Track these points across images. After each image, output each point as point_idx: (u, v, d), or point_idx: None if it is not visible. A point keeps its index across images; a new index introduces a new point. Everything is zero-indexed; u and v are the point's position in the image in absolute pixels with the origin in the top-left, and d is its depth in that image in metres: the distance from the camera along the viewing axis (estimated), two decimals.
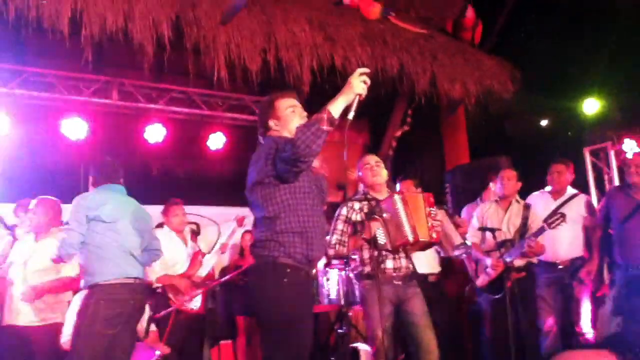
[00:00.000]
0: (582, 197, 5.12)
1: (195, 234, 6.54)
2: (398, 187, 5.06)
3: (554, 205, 4.97)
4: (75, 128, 6.26)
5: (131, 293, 3.56)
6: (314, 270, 2.87)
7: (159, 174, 7.52)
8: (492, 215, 4.90)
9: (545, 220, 4.43)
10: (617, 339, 4.17)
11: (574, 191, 5.13)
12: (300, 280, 2.66)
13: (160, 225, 5.18)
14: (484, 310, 4.90)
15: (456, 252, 4.80)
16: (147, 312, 4.27)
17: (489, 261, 4.62)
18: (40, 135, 6.24)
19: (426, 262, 4.75)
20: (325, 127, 2.46)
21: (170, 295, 4.82)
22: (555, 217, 4.38)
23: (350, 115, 2.58)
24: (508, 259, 4.47)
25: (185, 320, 4.86)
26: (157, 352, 4.05)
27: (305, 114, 2.92)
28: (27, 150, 5.96)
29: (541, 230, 4.42)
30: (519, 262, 4.63)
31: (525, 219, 4.75)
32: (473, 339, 5.48)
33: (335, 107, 2.53)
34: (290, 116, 2.89)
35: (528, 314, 4.60)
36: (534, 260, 4.75)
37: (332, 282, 4.95)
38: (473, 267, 5.05)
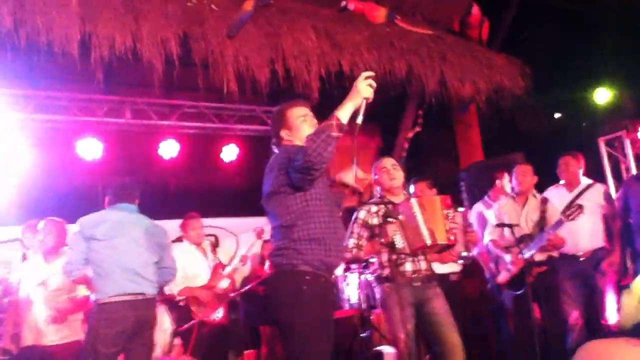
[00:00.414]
0: (598, 187, 5.09)
1: (214, 246, 6.59)
2: (412, 188, 5.06)
3: (569, 197, 4.94)
4: (90, 148, 6.35)
5: (131, 310, 3.58)
6: (333, 276, 2.87)
7: (176, 189, 7.61)
8: (509, 211, 4.89)
9: (562, 213, 4.41)
10: None
11: (589, 181, 5.10)
12: (320, 286, 2.67)
13: (179, 240, 5.23)
14: (507, 307, 4.88)
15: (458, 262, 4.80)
16: (171, 325, 4.32)
17: (508, 257, 4.61)
18: (56, 157, 6.33)
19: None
20: (334, 134, 2.49)
21: (193, 308, 4.87)
22: (573, 209, 4.35)
23: (359, 120, 2.60)
24: (527, 254, 4.45)
25: (209, 332, 4.90)
26: None
27: (315, 121, 2.94)
28: (44, 172, 6.04)
29: (559, 223, 4.39)
30: (539, 257, 4.61)
31: (543, 213, 4.73)
32: (496, 337, 5.45)
33: (343, 113, 2.56)
34: (301, 125, 2.92)
35: (552, 309, 4.57)
36: (555, 254, 4.72)
37: (352, 287, 4.95)
38: (491, 265, 5.04)
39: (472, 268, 5.42)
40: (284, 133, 2.97)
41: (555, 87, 7.90)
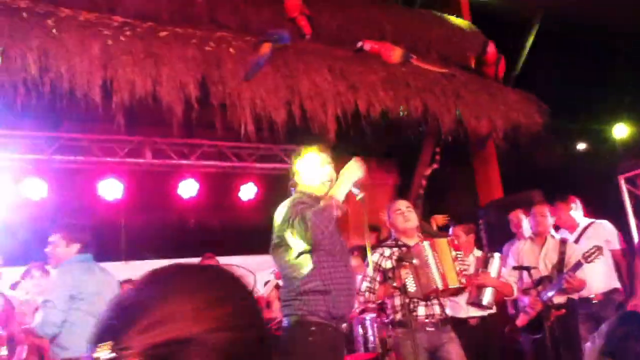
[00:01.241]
0: (600, 224, 5.01)
1: None
2: (450, 231, 5.04)
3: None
4: (111, 188, 6.46)
5: None
6: (343, 325, 2.88)
7: (195, 228, 7.67)
8: (527, 252, 4.85)
9: (582, 255, 4.36)
10: None
11: (589, 220, 5.04)
12: (327, 336, 2.67)
13: None
14: (526, 350, 4.79)
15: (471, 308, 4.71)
16: None
17: (526, 300, 4.55)
18: (77, 198, 6.46)
19: (465, 306, 4.68)
20: (335, 213, 2.70)
21: None
22: (592, 251, 4.30)
23: (360, 197, 2.93)
24: (545, 297, 4.38)
25: None
26: None
27: (329, 161, 3.02)
28: (65, 213, 6.15)
29: (578, 265, 4.34)
30: (559, 299, 4.53)
31: (562, 254, 4.67)
32: None
33: (340, 194, 2.79)
34: (317, 170, 2.98)
35: (572, 353, 4.47)
36: (575, 296, 4.64)
37: (367, 329, 4.89)
38: (512, 307, 4.98)
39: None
40: (298, 179, 3.04)
41: (575, 124, 7.86)
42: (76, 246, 3.68)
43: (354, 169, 2.81)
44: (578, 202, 5.10)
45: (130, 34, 4.90)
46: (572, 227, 5.01)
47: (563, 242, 4.73)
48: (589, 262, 4.29)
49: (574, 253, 4.58)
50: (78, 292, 3.51)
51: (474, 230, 4.88)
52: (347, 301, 2.81)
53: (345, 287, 2.79)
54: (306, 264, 2.73)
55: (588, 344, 1.94)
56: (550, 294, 4.39)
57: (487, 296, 4.42)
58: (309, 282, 2.71)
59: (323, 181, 2.93)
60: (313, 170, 2.99)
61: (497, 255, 4.64)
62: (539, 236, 4.81)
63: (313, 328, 2.64)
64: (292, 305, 2.72)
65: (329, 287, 2.72)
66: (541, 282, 4.53)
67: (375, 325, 4.81)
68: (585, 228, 4.96)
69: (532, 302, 4.45)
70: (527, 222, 5.06)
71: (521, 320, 4.69)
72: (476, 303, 4.50)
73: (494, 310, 4.62)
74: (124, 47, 4.81)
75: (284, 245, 2.78)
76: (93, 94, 4.68)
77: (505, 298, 4.67)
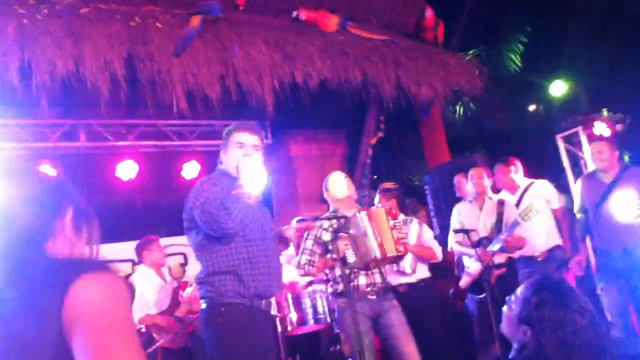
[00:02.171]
0: (540, 184, 5.08)
1: (183, 265, 6.49)
2: (377, 198, 5.00)
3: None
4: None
5: None
6: (263, 302, 2.74)
7: (140, 210, 7.50)
8: (467, 214, 4.91)
9: (518, 214, 4.42)
10: None
11: (529, 181, 5.10)
12: (239, 316, 2.57)
13: (137, 264, 5.14)
14: (472, 311, 4.87)
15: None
16: None
17: (474, 251, 4.57)
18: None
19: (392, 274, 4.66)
20: (243, 204, 2.64)
21: (155, 335, 4.77)
22: (527, 209, 4.35)
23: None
24: (493, 248, 4.44)
25: (173, 357, 4.80)
26: None
27: (253, 152, 2.85)
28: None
29: (515, 224, 4.41)
30: (499, 259, 4.60)
31: (500, 215, 4.74)
32: (466, 341, 5.42)
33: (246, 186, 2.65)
34: (235, 153, 2.85)
35: None
36: (515, 255, 4.71)
37: (316, 301, 4.87)
38: (457, 269, 5.03)
39: (444, 270, 5.36)
40: (222, 156, 2.93)
41: (515, 86, 7.93)
42: None
43: (249, 165, 2.62)
44: (518, 163, 5.14)
45: (47, 12, 4.64)
46: (512, 188, 5.06)
47: (501, 203, 4.79)
48: (525, 221, 4.35)
49: (511, 213, 4.64)
50: None
51: (395, 195, 4.88)
52: (265, 280, 2.71)
53: (261, 266, 2.69)
54: (214, 246, 2.64)
55: (504, 309, 1.93)
56: (495, 247, 4.44)
57: (407, 263, 4.41)
58: (216, 264, 2.62)
59: (237, 165, 2.72)
60: (230, 150, 2.87)
61: (414, 220, 4.65)
62: (477, 198, 4.87)
63: (222, 309, 2.55)
64: (202, 287, 2.64)
65: (239, 267, 2.62)
66: (480, 243, 4.59)
67: (323, 296, 4.80)
68: (526, 189, 5.01)
69: (481, 253, 4.47)
70: (470, 185, 5.09)
71: (464, 282, 4.75)
72: (398, 271, 4.49)
73: (424, 275, 4.61)
74: (42, 26, 4.56)
75: (194, 227, 2.69)
76: (11, 77, 4.43)
77: (432, 261, 4.66)
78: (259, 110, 5.90)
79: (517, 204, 4.83)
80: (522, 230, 4.53)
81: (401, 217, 4.39)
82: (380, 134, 7.58)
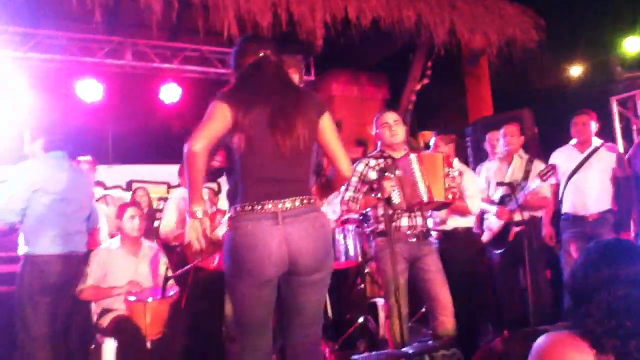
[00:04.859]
0: (609, 147, 4.93)
1: (216, 193, 6.55)
2: (433, 140, 4.94)
3: (580, 157, 4.80)
4: (90, 90, 6.24)
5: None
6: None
7: (178, 133, 7.54)
8: (496, 171, 4.84)
9: (539, 173, 4.35)
10: None
11: (600, 141, 4.94)
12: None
13: (178, 186, 5.20)
14: (494, 265, 4.86)
15: None
16: (166, 270, 4.29)
17: (494, 208, 4.55)
18: (54, 98, 6.24)
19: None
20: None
21: (188, 254, 4.86)
22: (547, 170, 4.29)
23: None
24: (512, 207, 4.42)
25: (205, 277, 4.90)
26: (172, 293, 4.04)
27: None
28: (42, 112, 5.97)
29: (534, 183, 4.36)
30: (519, 216, 4.55)
31: (527, 173, 4.65)
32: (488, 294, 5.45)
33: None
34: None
35: (533, 268, 4.52)
36: (538, 214, 4.68)
37: (349, 239, 4.90)
38: (478, 226, 5.00)
39: None
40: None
41: (573, 42, 7.60)
42: (40, 142, 3.52)
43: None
44: (596, 121, 4.93)
45: None
46: (585, 143, 4.84)
47: (530, 160, 4.70)
48: (544, 181, 4.29)
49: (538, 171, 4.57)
50: (41, 187, 3.38)
51: (454, 140, 4.78)
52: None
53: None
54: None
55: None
56: (513, 206, 4.40)
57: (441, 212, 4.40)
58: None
59: None
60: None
61: (468, 171, 4.61)
62: (507, 155, 4.78)
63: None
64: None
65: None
66: (504, 200, 4.55)
67: (356, 235, 4.81)
68: (596, 149, 4.81)
69: (500, 210, 4.43)
70: (501, 142, 4.95)
71: (486, 237, 4.75)
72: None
73: (460, 224, 4.58)
74: None
75: None
76: None
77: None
78: (305, 45, 5.80)
79: (586, 160, 4.68)
80: (547, 190, 4.52)
81: (457, 165, 4.34)
82: (426, 81, 7.42)
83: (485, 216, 4.76)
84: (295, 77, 2.74)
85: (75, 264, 3.52)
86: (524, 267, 4.33)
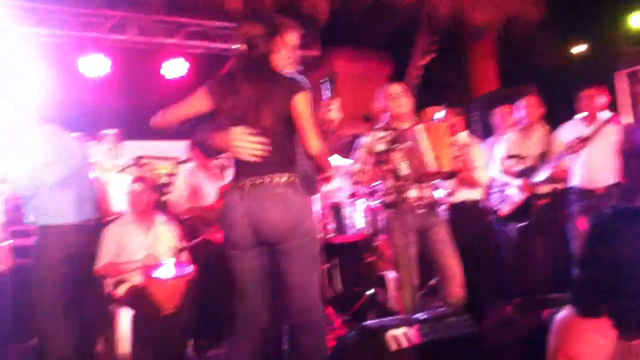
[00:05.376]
0: (615, 121, 4.92)
1: (225, 167, 6.56)
2: (443, 113, 4.92)
3: (587, 131, 4.79)
4: (93, 65, 6.21)
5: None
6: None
7: None
8: (516, 143, 4.82)
9: (565, 146, 4.35)
10: None
11: (608, 115, 4.93)
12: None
13: (188, 160, 5.23)
14: (509, 238, 4.86)
15: None
16: (177, 242, 4.31)
17: (517, 181, 4.54)
18: (59, 73, 6.19)
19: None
20: None
21: (199, 227, 4.89)
22: (575, 142, 4.29)
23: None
24: (537, 179, 4.41)
25: (215, 251, 4.92)
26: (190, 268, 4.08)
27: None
28: (45, 87, 5.93)
29: (560, 156, 4.35)
30: (544, 189, 4.56)
31: (548, 145, 4.66)
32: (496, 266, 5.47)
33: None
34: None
35: (554, 242, 4.55)
36: (560, 186, 4.67)
37: (358, 212, 4.92)
38: (494, 197, 5.00)
39: None
40: None
41: (576, 18, 7.52)
42: (35, 114, 3.45)
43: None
44: (605, 95, 4.91)
45: None
46: (592, 117, 4.83)
47: (550, 132, 4.70)
48: (571, 153, 4.30)
49: (560, 144, 4.56)
50: (49, 159, 3.35)
51: (462, 113, 4.78)
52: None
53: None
54: None
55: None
56: (538, 179, 4.41)
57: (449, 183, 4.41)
58: None
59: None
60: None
61: (475, 143, 4.62)
62: (527, 127, 4.76)
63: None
64: None
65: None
66: (525, 172, 4.55)
67: (364, 208, 4.83)
68: (604, 123, 4.80)
69: (524, 184, 4.42)
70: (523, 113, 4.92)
71: (505, 210, 4.74)
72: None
73: (467, 197, 4.59)
74: None
75: None
76: None
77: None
78: (309, 19, 5.75)
79: (594, 133, 4.67)
80: (580, 163, 4.48)
81: (464, 136, 4.34)
82: (432, 55, 7.37)
83: (505, 189, 4.75)
84: (292, 38, 2.75)
85: (89, 232, 3.54)
86: (544, 240, 4.34)
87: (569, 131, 4.84)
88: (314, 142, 2.56)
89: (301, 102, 2.54)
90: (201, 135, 2.66)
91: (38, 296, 3.34)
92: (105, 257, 3.86)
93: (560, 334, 1.63)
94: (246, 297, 2.66)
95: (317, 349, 2.56)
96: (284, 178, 2.56)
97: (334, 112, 2.72)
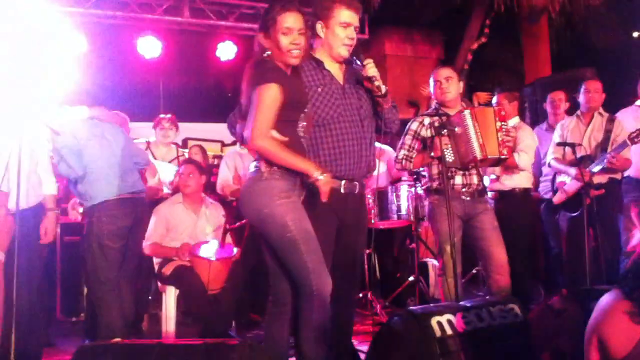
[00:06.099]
0: None
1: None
2: (495, 99, 4.85)
3: None
4: (149, 46, 6.37)
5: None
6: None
7: (233, 91, 7.63)
8: (573, 129, 4.64)
9: (629, 135, 4.17)
10: None
11: None
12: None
13: (233, 144, 5.31)
14: (560, 228, 4.75)
15: None
16: (223, 222, 4.41)
17: (573, 170, 4.38)
18: (116, 54, 6.40)
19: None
20: None
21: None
22: (638, 132, 4.11)
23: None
24: (595, 169, 4.27)
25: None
26: (235, 250, 4.18)
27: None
28: (104, 69, 6.13)
29: (623, 145, 4.18)
30: (599, 179, 4.41)
31: (608, 133, 4.46)
32: (544, 257, 5.38)
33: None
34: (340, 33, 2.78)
35: (607, 233, 4.42)
36: (618, 176, 4.50)
37: (401, 198, 4.90)
38: (545, 185, 4.89)
39: None
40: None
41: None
42: (61, 99, 3.62)
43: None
44: None
45: None
46: None
47: (611, 120, 4.50)
48: (634, 143, 4.12)
49: (621, 132, 4.38)
50: (87, 139, 3.51)
51: (517, 98, 4.65)
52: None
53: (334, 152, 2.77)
54: None
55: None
56: (598, 167, 4.27)
57: (496, 169, 4.32)
58: None
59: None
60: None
61: (525, 127, 4.50)
62: (587, 113, 4.58)
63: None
64: None
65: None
66: (583, 160, 4.38)
67: (409, 194, 4.82)
68: None
69: (579, 173, 4.28)
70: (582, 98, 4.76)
71: (558, 198, 4.61)
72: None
73: (518, 184, 4.50)
74: None
75: None
76: None
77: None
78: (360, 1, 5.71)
79: None
80: (629, 152, 4.31)
81: (514, 121, 4.25)
82: (484, 40, 7.23)
83: (555, 177, 4.63)
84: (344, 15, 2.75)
85: (136, 205, 3.65)
86: (595, 231, 4.23)
87: (630, 119, 4.66)
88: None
89: (256, 93, 2.43)
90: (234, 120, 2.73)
91: (89, 271, 3.50)
92: (153, 236, 3.98)
93: (598, 314, 1.68)
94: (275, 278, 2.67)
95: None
96: (258, 167, 2.63)
97: (371, 69, 2.74)
